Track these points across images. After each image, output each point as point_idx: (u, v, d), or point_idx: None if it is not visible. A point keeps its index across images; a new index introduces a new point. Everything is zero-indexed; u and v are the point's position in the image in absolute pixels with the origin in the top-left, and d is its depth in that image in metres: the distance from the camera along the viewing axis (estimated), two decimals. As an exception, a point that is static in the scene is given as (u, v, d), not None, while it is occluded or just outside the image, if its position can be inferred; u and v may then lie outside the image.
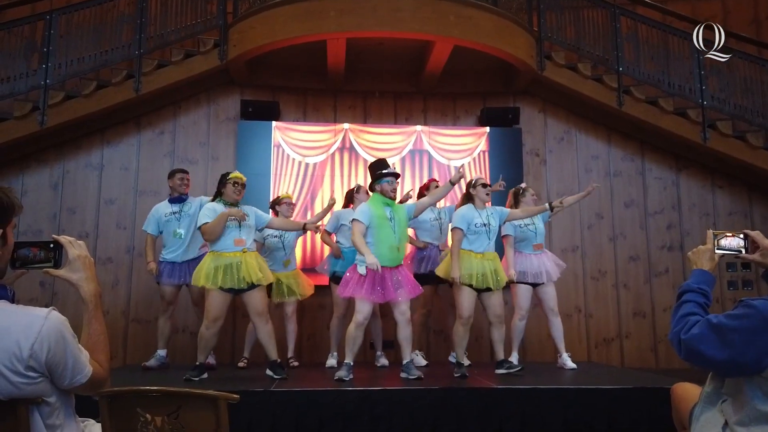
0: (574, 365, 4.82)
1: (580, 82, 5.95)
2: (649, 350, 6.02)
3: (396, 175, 4.29)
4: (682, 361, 5.54)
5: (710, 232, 1.84)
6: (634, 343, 6.03)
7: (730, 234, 1.82)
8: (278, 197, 5.23)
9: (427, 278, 4.86)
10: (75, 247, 1.59)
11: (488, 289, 4.34)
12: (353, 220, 4.13)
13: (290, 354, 5.08)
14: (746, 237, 1.80)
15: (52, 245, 1.57)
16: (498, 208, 4.60)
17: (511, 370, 4.34)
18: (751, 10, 6.94)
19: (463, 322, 4.31)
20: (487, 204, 4.54)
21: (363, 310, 4.05)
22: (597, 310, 6.07)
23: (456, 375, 4.24)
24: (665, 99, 5.95)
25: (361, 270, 4.05)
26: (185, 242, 4.85)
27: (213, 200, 4.34)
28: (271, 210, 5.14)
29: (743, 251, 1.80)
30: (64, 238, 1.58)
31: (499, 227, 4.58)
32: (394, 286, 4.06)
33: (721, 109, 5.92)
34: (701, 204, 6.29)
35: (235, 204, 4.27)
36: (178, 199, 4.97)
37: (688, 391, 1.85)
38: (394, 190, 4.23)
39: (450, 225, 4.73)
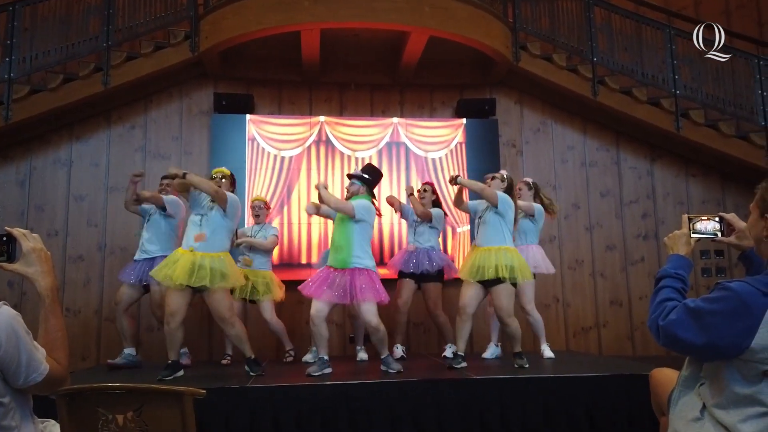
0: (551, 354, 4.84)
1: (555, 73, 5.96)
2: (626, 338, 6.08)
3: (355, 177, 4.29)
4: (659, 348, 5.61)
5: (685, 217, 1.83)
6: (612, 332, 6.08)
7: (706, 218, 1.81)
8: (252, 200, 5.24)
9: (409, 273, 4.87)
10: (29, 240, 1.51)
11: (491, 283, 4.24)
12: None
13: (288, 346, 5.04)
14: (722, 220, 1.79)
15: (5, 238, 1.49)
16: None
17: (516, 365, 4.20)
18: (722, 1, 7.02)
19: (459, 312, 4.25)
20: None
21: (314, 304, 4.00)
22: (574, 299, 6.10)
23: (456, 366, 4.15)
24: (639, 89, 5.99)
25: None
26: (148, 241, 4.74)
27: None
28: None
29: (719, 234, 1.79)
30: (17, 231, 1.50)
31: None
32: (339, 288, 3.97)
33: (694, 99, 5.98)
34: (675, 193, 6.36)
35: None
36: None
37: (666, 376, 1.84)
38: (347, 191, 4.30)
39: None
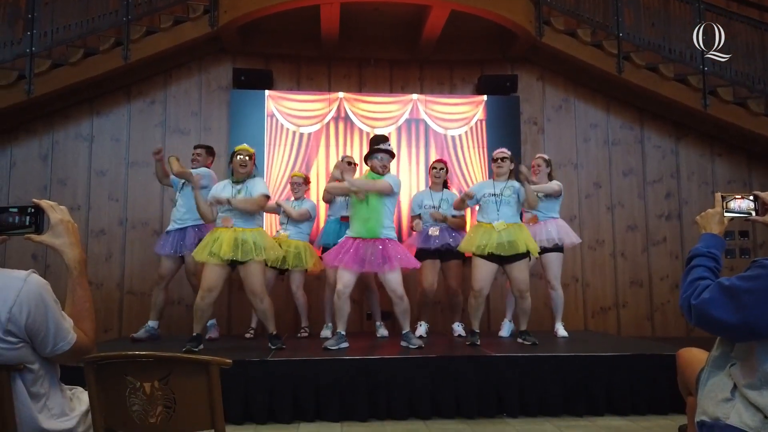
0: (565, 334, 4.86)
1: (579, 48, 5.83)
2: (645, 319, 6.03)
3: (390, 153, 4.23)
4: (679, 329, 5.55)
5: (718, 195, 1.78)
6: (631, 312, 6.03)
7: (740, 196, 1.76)
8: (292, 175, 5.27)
9: (431, 254, 4.83)
10: (57, 212, 1.50)
11: (510, 260, 4.28)
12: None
13: (304, 323, 5.11)
14: (756, 198, 1.74)
15: (32, 210, 1.49)
16: (520, 185, 4.43)
17: (526, 342, 4.28)
18: (754, -26, 6.78)
19: (474, 294, 4.31)
20: (509, 180, 4.42)
21: (341, 277, 4.04)
22: (594, 279, 6.05)
23: (467, 343, 4.23)
24: (665, 65, 5.84)
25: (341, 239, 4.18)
26: (179, 211, 4.78)
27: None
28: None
29: (753, 213, 1.74)
30: (45, 202, 1.50)
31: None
32: (369, 257, 4.03)
33: (722, 75, 5.82)
34: (700, 172, 6.24)
35: (241, 179, 4.15)
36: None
37: (694, 356, 1.81)
38: (384, 167, 4.20)
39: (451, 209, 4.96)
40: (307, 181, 5.27)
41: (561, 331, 4.87)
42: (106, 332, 5.54)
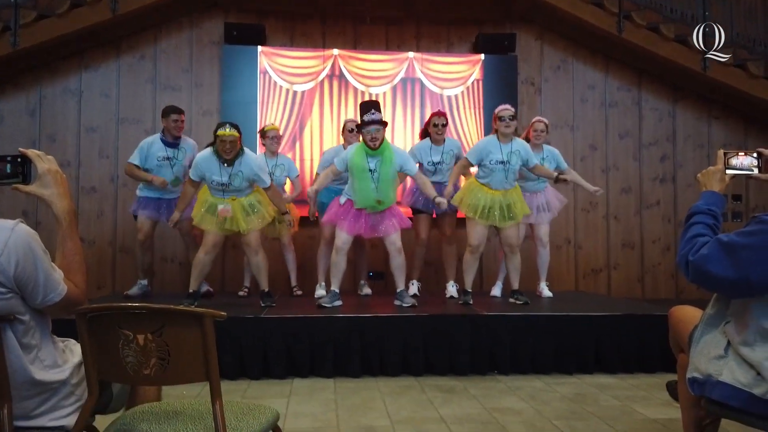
0: (550, 294, 4.92)
1: (579, 7, 5.69)
2: (636, 281, 6.09)
3: (379, 123, 4.03)
4: (668, 292, 5.60)
5: (720, 152, 1.75)
6: (622, 274, 6.08)
7: (743, 153, 1.73)
8: (264, 128, 4.97)
9: (422, 210, 4.81)
10: (44, 161, 1.46)
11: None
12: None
13: (294, 282, 5.10)
14: (759, 155, 1.71)
15: (19, 159, 1.45)
16: (526, 147, 4.35)
17: (518, 301, 4.33)
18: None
19: (471, 250, 4.31)
20: (513, 138, 4.29)
21: (341, 235, 4.09)
22: (586, 241, 6.08)
23: (460, 302, 4.27)
24: (666, 25, 5.74)
25: (341, 199, 4.21)
26: (176, 188, 4.70)
27: (209, 145, 4.07)
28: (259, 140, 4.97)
29: (756, 170, 1.71)
30: (32, 152, 1.45)
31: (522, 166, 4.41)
32: (370, 223, 4.12)
33: (723, 37, 5.72)
34: (696, 135, 6.21)
35: (228, 162, 4.00)
36: (172, 143, 4.67)
37: (687, 314, 1.81)
38: (374, 140, 3.99)
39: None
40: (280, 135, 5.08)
41: (546, 291, 4.92)
42: (99, 289, 5.54)
